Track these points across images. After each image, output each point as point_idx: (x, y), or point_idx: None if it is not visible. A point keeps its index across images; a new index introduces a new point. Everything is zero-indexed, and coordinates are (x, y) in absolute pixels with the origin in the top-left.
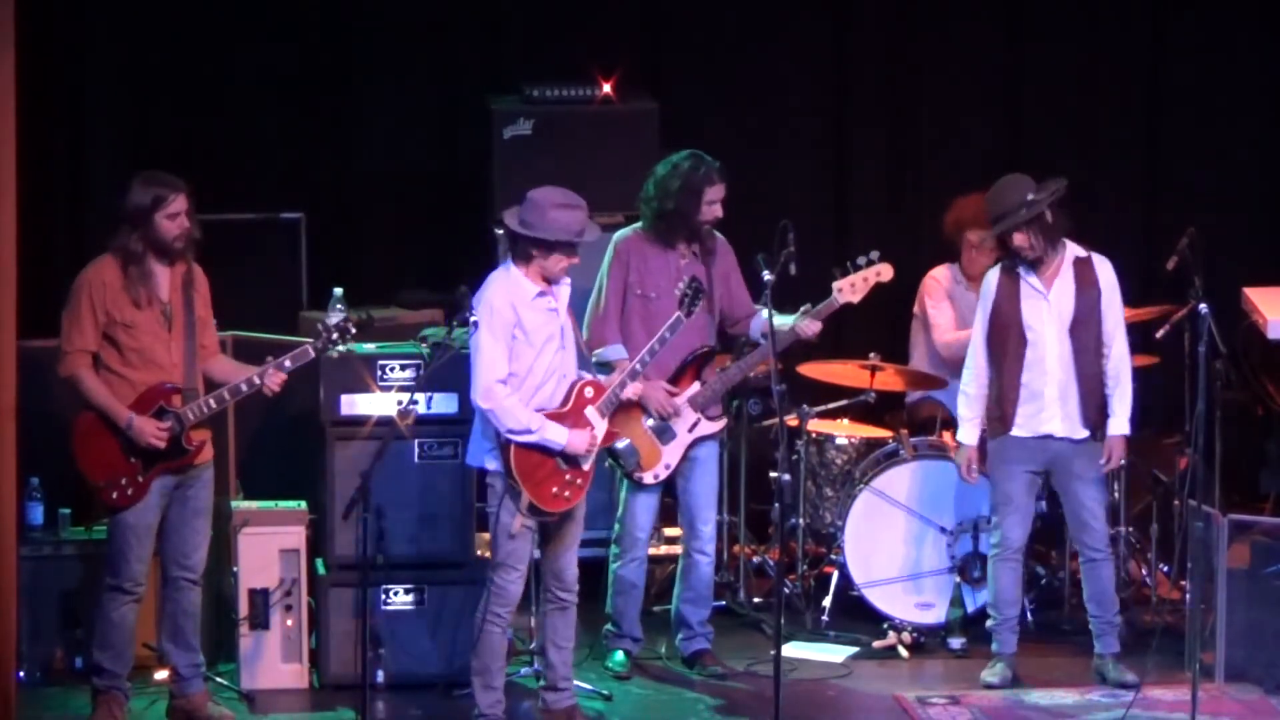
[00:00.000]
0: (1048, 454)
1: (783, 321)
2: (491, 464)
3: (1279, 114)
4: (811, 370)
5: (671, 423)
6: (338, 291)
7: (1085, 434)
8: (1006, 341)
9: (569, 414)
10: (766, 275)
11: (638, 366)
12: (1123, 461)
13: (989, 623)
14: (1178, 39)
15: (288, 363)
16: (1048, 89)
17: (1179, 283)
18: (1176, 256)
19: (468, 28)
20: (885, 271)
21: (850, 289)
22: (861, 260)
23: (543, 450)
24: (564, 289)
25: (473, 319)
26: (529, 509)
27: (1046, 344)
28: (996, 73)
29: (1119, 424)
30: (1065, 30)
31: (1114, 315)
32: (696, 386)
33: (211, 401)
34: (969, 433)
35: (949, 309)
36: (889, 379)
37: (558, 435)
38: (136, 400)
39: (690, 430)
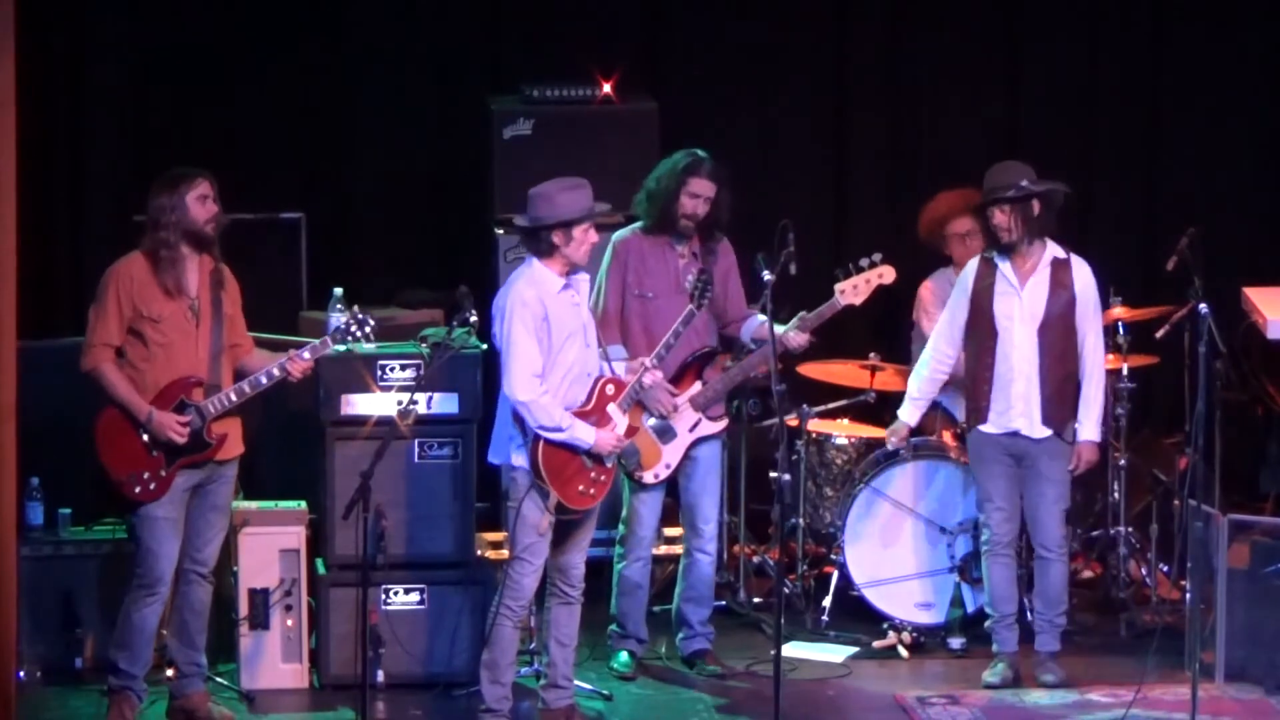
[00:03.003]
0: (1016, 449)
1: (777, 327)
2: (518, 459)
3: (1278, 114)
4: (811, 370)
5: (672, 422)
6: (338, 291)
7: (1047, 433)
8: (979, 332)
9: (592, 411)
10: (766, 275)
11: (652, 361)
12: (1091, 467)
13: (987, 622)
14: (1178, 38)
15: (306, 353)
16: (1048, 89)
17: (1179, 283)
18: (1176, 256)
19: (468, 28)
20: (887, 274)
21: (853, 290)
22: (864, 262)
23: (570, 449)
24: (583, 283)
25: (467, 316)
26: (555, 508)
27: (1015, 340)
28: (996, 72)
29: (1087, 430)
30: (1065, 30)
31: (1086, 319)
32: (698, 386)
33: (232, 394)
34: (910, 411)
35: None
36: (889, 379)
37: (586, 434)
38: (157, 395)
39: (691, 430)
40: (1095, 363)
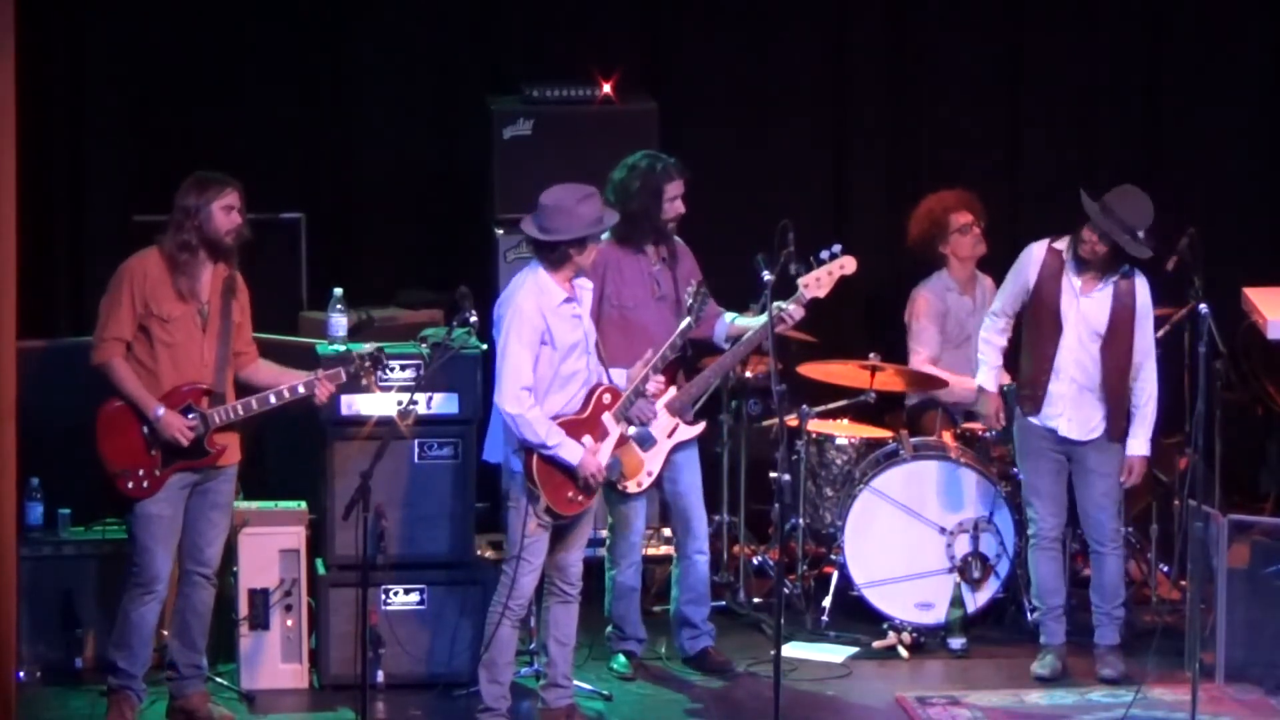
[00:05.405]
0: (1065, 446)
1: (747, 323)
2: (515, 464)
3: (1278, 114)
4: (811, 370)
5: (651, 428)
6: (338, 291)
7: (1096, 435)
8: (1042, 322)
9: (587, 420)
10: (766, 275)
11: (650, 373)
12: (1141, 478)
13: (1034, 614)
14: (1177, 38)
15: (329, 381)
16: (1048, 89)
17: (1179, 283)
18: (1176, 256)
19: (468, 28)
20: (849, 264)
21: (816, 284)
22: (825, 254)
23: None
24: (586, 293)
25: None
26: (545, 511)
27: (1070, 344)
28: (997, 73)
29: (1138, 444)
30: (1065, 30)
31: (1145, 338)
32: (672, 391)
33: (239, 408)
34: (990, 378)
35: (933, 332)
36: (889, 379)
37: (572, 454)
38: (164, 396)
39: (670, 436)
40: (1149, 376)
